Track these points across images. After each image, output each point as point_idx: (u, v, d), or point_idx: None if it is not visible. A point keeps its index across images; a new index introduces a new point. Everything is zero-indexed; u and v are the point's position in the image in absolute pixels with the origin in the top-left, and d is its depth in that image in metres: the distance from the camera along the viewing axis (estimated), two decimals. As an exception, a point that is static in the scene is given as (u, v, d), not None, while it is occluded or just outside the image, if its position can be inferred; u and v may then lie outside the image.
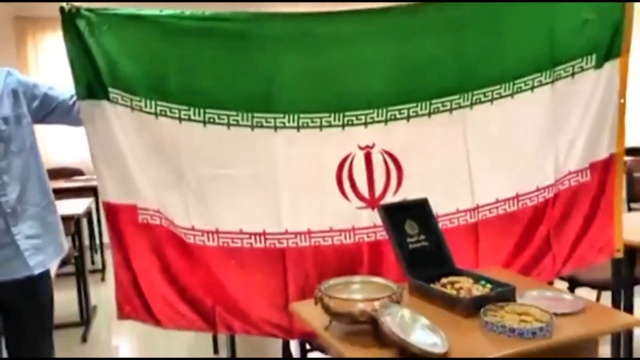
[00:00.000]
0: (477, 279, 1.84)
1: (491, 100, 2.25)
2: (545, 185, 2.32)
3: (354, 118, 2.17)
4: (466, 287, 1.77)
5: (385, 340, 1.43)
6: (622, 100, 2.29)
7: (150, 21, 2.03)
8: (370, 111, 2.18)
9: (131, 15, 2.03)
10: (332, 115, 2.16)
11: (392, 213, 2.01)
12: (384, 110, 2.18)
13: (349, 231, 2.20)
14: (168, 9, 2.03)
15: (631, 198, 4.02)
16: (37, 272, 2.03)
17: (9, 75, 2.02)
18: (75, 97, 2.05)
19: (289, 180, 2.15)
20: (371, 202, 2.19)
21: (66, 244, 2.23)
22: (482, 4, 2.21)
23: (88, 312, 3.98)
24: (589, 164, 2.34)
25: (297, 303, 1.93)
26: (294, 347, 2.72)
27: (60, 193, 3.98)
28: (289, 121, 2.13)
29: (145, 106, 2.05)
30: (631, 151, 5.67)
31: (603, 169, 2.34)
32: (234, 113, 2.10)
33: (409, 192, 2.18)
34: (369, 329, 1.53)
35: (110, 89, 2.02)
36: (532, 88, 2.26)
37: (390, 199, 2.19)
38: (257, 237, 2.16)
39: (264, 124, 2.12)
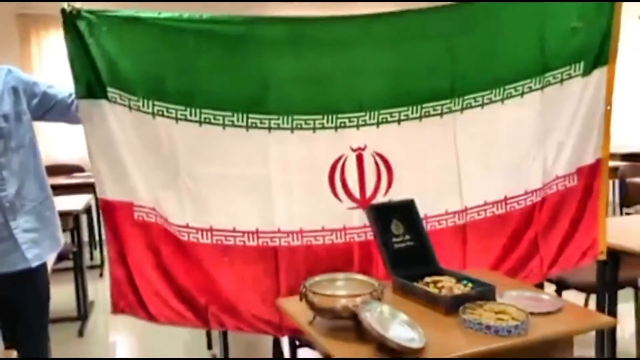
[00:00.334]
0: (459, 278, 1.88)
1: (481, 105, 2.29)
2: (534, 189, 2.36)
3: (346, 120, 2.21)
4: (448, 286, 1.81)
5: (366, 335, 1.47)
6: (608, 107, 2.33)
7: (149, 23, 2.07)
8: (363, 114, 2.21)
9: (130, 18, 2.06)
10: (325, 117, 2.20)
11: (379, 213, 2.05)
12: (376, 113, 2.22)
13: (340, 231, 2.24)
14: (166, 12, 2.07)
15: (624, 203, 4.05)
16: (34, 264, 2.08)
17: (9, 73, 2.06)
18: (73, 96, 2.09)
19: (282, 180, 2.19)
20: (362, 202, 2.23)
21: (62, 238, 2.28)
22: (473, 10, 2.25)
23: (85, 307, 4.03)
24: (576, 168, 2.38)
25: (284, 299, 1.97)
26: (284, 343, 2.76)
27: (60, 189, 4.05)
28: (283, 122, 2.17)
29: (143, 106, 2.08)
30: (625, 157, 5.74)
31: (589, 173, 2.38)
32: (230, 114, 2.14)
33: (399, 193, 2.22)
34: (351, 324, 1.57)
35: (109, 89, 2.05)
36: (522, 94, 2.30)
37: (380, 199, 2.22)
38: (250, 236, 2.19)
39: (259, 124, 2.16)
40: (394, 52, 2.23)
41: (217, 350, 3.29)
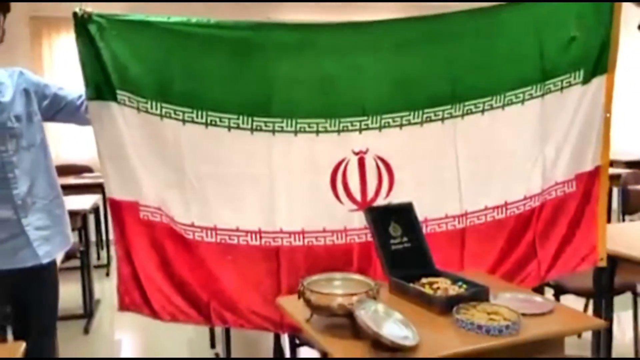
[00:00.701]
0: (455, 280, 1.92)
1: (482, 111, 2.32)
2: (533, 194, 2.38)
3: (349, 124, 2.25)
4: (443, 287, 1.85)
5: (361, 332, 1.51)
6: (607, 115, 2.35)
7: (158, 28, 2.11)
8: (365, 118, 2.25)
9: (140, 22, 2.11)
10: (329, 121, 2.24)
11: (378, 215, 2.09)
12: (378, 118, 2.26)
13: (341, 232, 2.27)
14: (175, 16, 2.12)
15: (626, 210, 4.07)
16: (45, 261, 2.12)
17: (21, 75, 2.10)
18: (82, 98, 2.14)
19: (285, 182, 2.23)
20: (363, 205, 2.26)
21: (72, 236, 2.32)
22: (475, 18, 2.29)
23: (91, 305, 4.08)
24: (575, 175, 2.41)
25: (283, 297, 2.01)
26: (285, 343, 2.81)
27: (69, 189, 4.10)
28: (287, 126, 2.21)
29: (151, 108, 2.13)
30: (628, 164, 5.75)
31: (588, 180, 2.41)
32: (235, 116, 2.18)
33: (399, 196, 2.25)
34: (347, 322, 1.60)
35: (118, 91, 2.09)
36: (523, 101, 2.33)
37: (381, 202, 2.26)
38: (253, 235, 2.24)
39: (263, 127, 2.20)
40: (396, 58, 2.27)
41: (219, 349, 3.33)
